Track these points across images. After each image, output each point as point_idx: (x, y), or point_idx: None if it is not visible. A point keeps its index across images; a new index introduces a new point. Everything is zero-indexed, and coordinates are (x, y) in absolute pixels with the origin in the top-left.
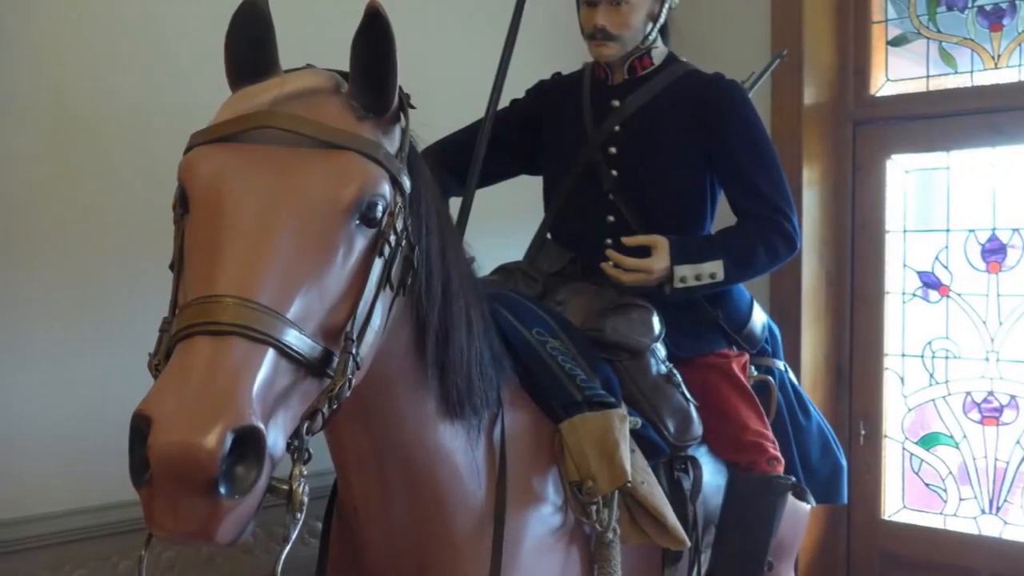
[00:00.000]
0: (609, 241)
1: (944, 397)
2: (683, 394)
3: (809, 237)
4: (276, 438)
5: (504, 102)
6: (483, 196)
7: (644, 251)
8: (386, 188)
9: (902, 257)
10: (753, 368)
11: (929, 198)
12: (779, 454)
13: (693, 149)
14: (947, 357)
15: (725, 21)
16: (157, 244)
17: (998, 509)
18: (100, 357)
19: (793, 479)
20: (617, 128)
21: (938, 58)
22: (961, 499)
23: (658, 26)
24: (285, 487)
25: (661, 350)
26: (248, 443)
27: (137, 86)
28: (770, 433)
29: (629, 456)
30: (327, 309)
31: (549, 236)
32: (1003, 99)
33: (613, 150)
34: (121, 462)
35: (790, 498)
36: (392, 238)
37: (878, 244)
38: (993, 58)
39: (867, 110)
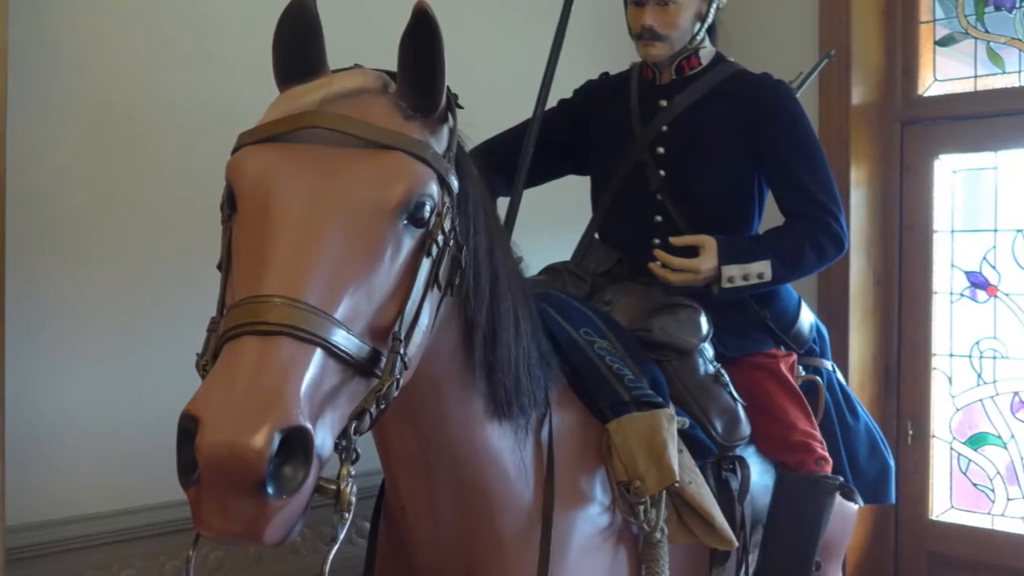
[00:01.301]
0: (657, 241)
1: (992, 397)
2: (731, 394)
3: (857, 237)
4: (324, 438)
5: (551, 102)
6: (531, 196)
7: (692, 251)
8: (434, 188)
9: (950, 257)
10: (801, 368)
11: (977, 198)
12: (827, 454)
13: (741, 149)
14: (995, 357)
15: (773, 21)
16: (205, 244)
17: None
18: (148, 357)
19: (841, 479)
20: (665, 128)
21: (986, 58)
22: (1009, 499)
23: (706, 26)
24: (333, 487)
25: (709, 350)
26: (296, 443)
27: (186, 85)
28: (818, 433)
29: (677, 456)
30: (375, 309)
31: (597, 236)
32: None
33: (661, 150)
34: (169, 462)
35: (838, 498)
36: (440, 238)
37: (926, 244)
38: None
39: (915, 110)
